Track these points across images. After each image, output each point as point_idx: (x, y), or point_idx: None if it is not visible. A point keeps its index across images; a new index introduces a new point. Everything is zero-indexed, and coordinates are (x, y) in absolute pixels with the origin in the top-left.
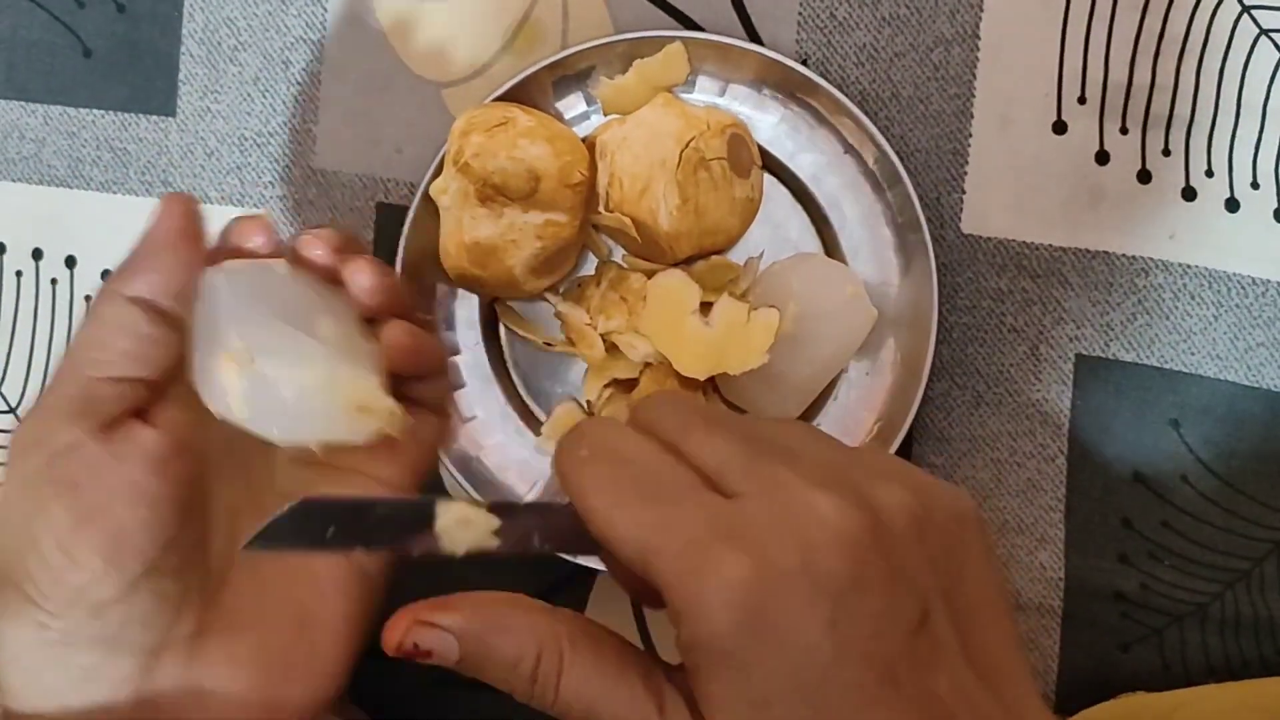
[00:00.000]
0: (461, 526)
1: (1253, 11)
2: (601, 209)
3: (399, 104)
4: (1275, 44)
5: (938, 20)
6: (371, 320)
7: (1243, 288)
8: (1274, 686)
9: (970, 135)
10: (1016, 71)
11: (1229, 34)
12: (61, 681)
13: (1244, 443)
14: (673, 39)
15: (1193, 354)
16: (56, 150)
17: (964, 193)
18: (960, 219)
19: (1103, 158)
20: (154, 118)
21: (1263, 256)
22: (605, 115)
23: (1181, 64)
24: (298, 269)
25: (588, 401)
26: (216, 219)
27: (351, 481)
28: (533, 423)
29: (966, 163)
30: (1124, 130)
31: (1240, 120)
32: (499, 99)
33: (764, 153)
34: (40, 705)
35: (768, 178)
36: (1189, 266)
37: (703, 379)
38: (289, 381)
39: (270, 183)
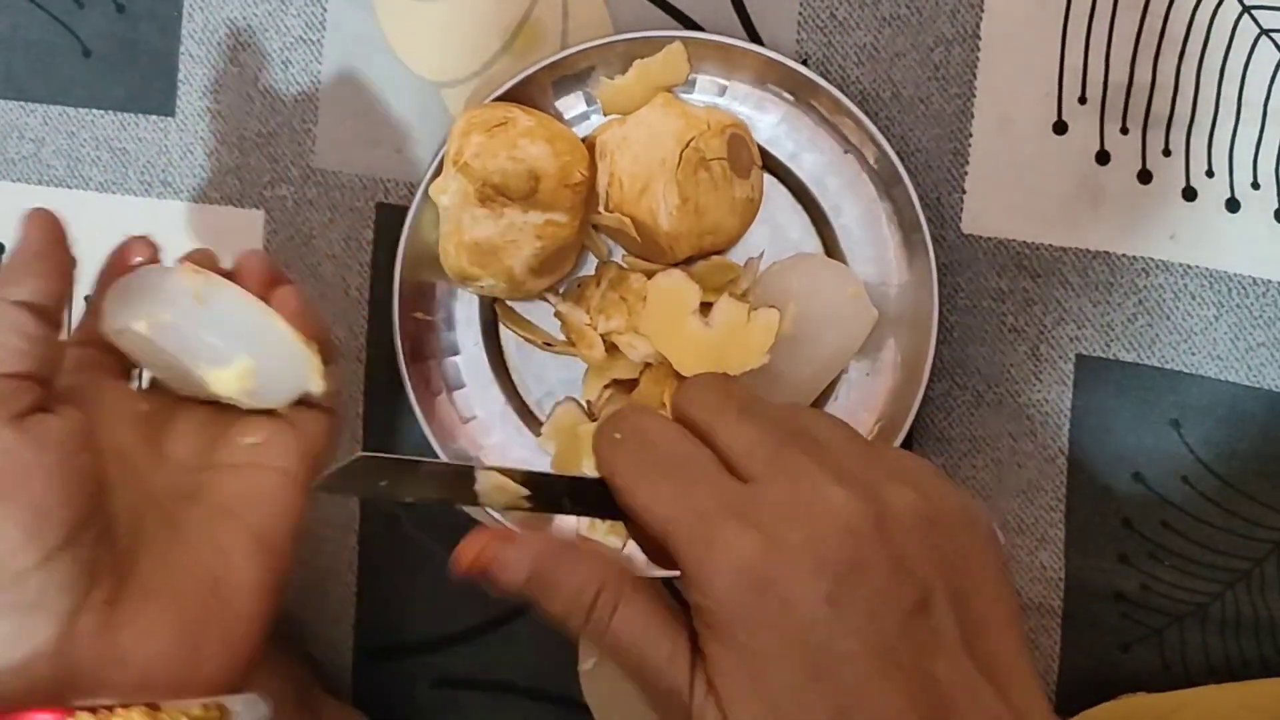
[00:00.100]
0: (498, 491)
1: (1253, 11)
2: (601, 209)
3: (399, 104)
4: (1276, 44)
5: (938, 20)
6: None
7: (1243, 288)
8: (1274, 687)
9: (971, 135)
10: (1017, 71)
11: (1229, 34)
12: None
13: (1244, 443)
14: (673, 39)
15: (1193, 354)
16: (56, 150)
17: (964, 193)
18: (960, 219)
19: (1103, 158)
20: (153, 118)
21: (1263, 256)
22: (605, 115)
23: (1182, 64)
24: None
25: (587, 402)
26: (216, 219)
27: (248, 475)
28: (532, 423)
29: (967, 163)
30: (1124, 130)
31: (1241, 120)
32: (499, 99)
33: (764, 153)
34: None
35: (768, 178)
36: (1189, 267)
37: None
38: (230, 307)
39: (270, 183)
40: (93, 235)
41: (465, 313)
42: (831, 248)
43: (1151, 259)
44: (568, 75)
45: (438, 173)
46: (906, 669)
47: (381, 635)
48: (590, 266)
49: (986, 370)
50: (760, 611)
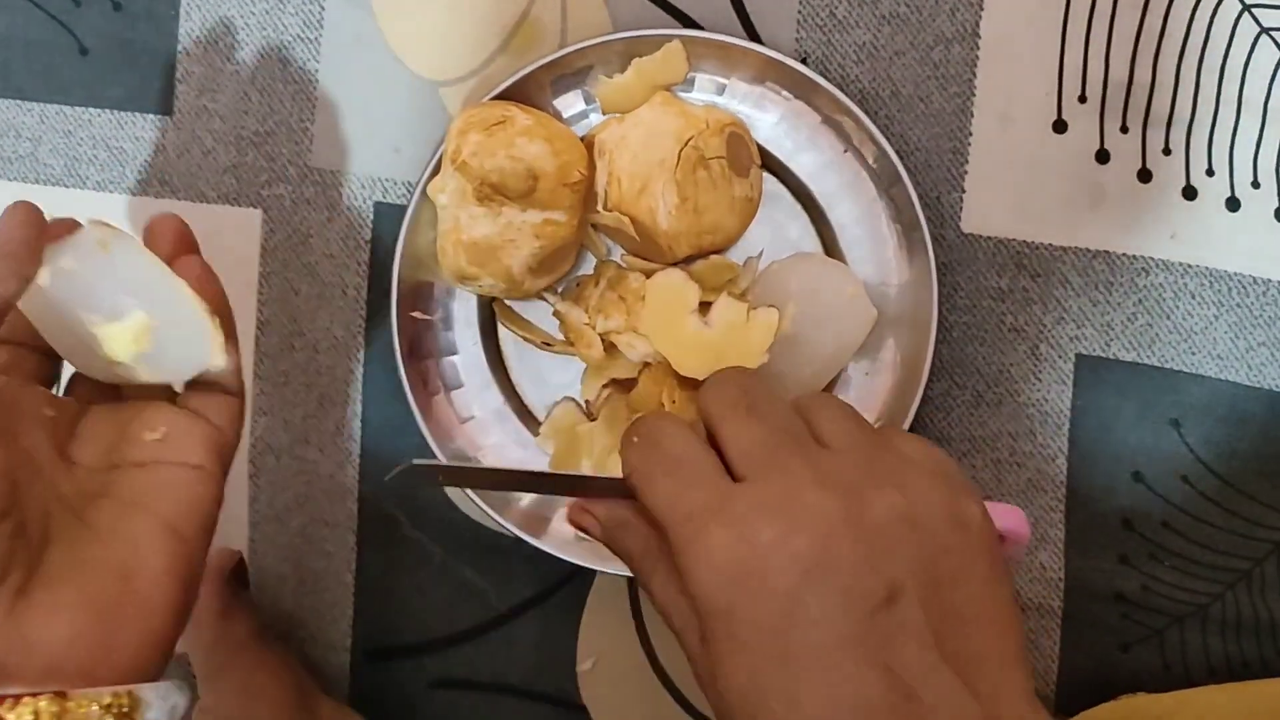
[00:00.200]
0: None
1: (1253, 10)
2: (600, 208)
3: (397, 103)
4: (1276, 42)
5: (938, 18)
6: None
7: (1243, 287)
8: (1275, 687)
9: (970, 134)
10: (1017, 70)
11: (1229, 32)
12: None
13: (1245, 443)
14: (671, 37)
15: (1193, 354)
16: (53, 149)
17: (964, 192)
18: (960, 218)
19: (1103, 156)
20: (151, 116)
21: (1264, 255)
22: (604, 114)
23: (1182, 62)
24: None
25: (586, 401)
26: (213, 218)
27: (156, 472)
28: (531, 422)
29: (966, 162)
30: (1124, 129)
31: (1241, 119)
32: (497, 98)
33: (763, 152)
34: None
35: (767, 177)
36: (1189, 266)
37: (701, 379)
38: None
39: (267, 182)
40: None
41: (463, 312)
42: (831, 247)
43: (1151, 258)
44: (566, 74)
45: (436, 171)
46: (868, 658)
47: (380, 636)
48: (589, 266)
49: (986, 370)
50: (734, 604)
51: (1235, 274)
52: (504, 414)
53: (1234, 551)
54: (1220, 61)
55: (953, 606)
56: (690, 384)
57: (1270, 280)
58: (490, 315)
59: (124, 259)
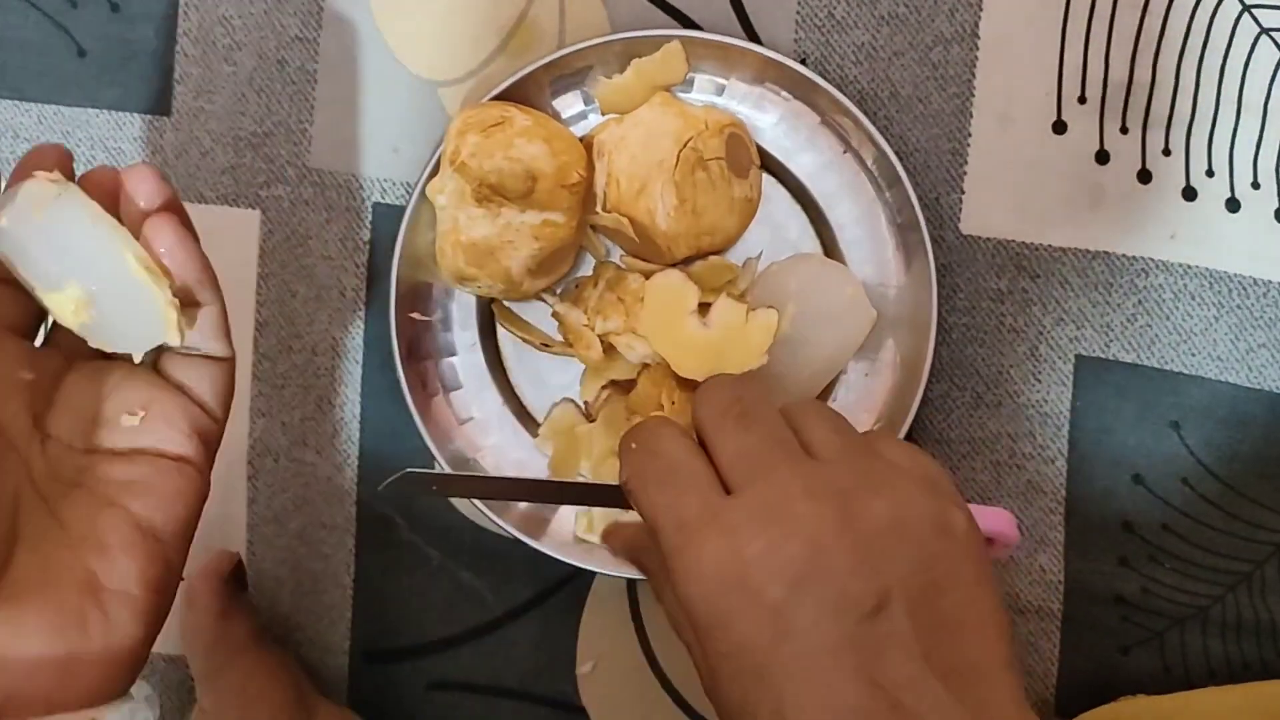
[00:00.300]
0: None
1: (1253, 10)
2: (599, 209)
3: (395, 103)
4: (1276, 43)
5: (937, 19)
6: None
7: (1243, 288)
8: (1275, 689)
9: (969, 135)
10: (1016, 71)
11: (1229, 33)
12: None
13: (1245, 445)
14: (671, 38)
15: (1193, 355)
16: None
17: (963, 193)
18: (959, 219)
19: (1103, 157)
20: (148, 117)
21: (1264, 257)
22: (603, 115)
23: (1182, 63)
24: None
25: (585, 402)
26: (211, 219)
27: (133, 464)
28: (530, 424)
29: (966, 163)
30: (1124, 130)
31: (1241, 119)
32: (496, 98)
33: (762, 153)
34: None
35: (766, 178)
36: (1189, 267)
37: (701, 380)
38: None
39: (265, 183)
40: None
41: (462, 313)
42: (830, 248)
43: (1151, 259)
44: (565, 74)
45: (434, 172)
46: (856, 669)
47: (378, 638)
48: (588, 267)
49: (985, 371)
50: (724, 614)
51: (1235, 275)
52: (503, 415)
53: (1234, 554)
54: (1220, 62)
55: (941, 614)
56: (689, 385)
57: (1270, 281)
58: (489, 316)
59: (65, 222)
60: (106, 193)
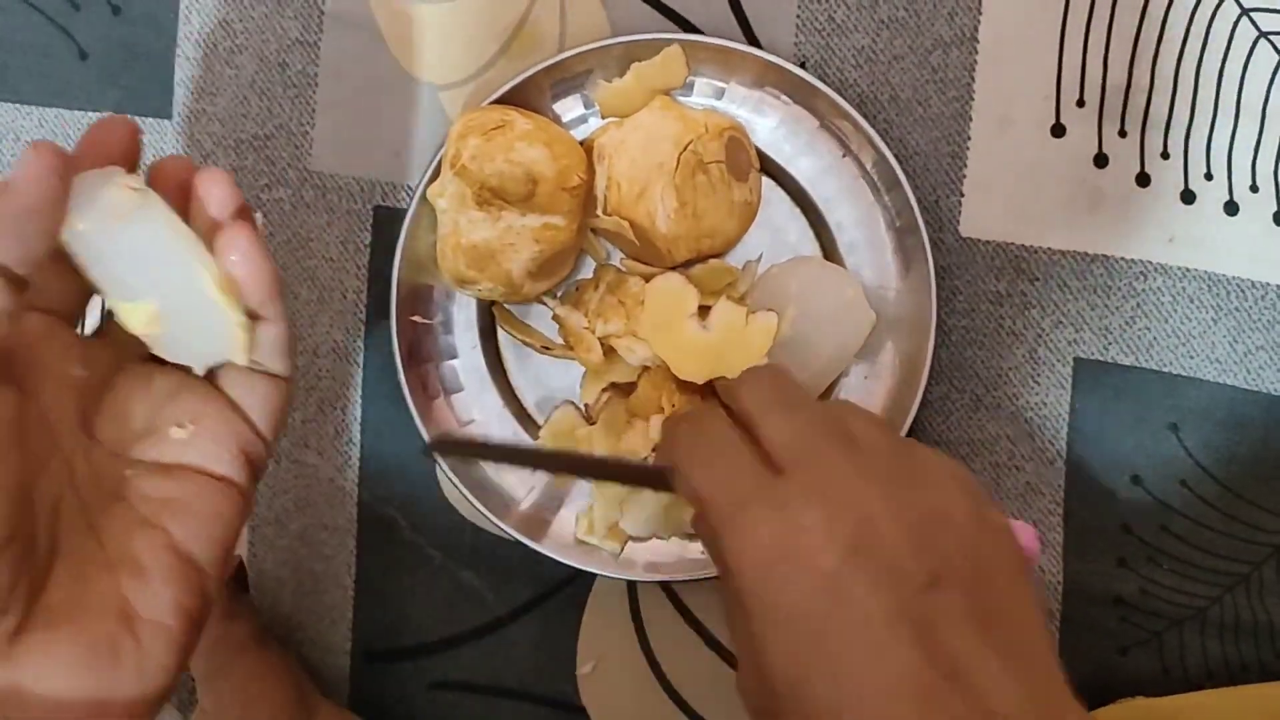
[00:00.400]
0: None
1: (1252, 14)
2: (599, 212)
3: (396, 107)
4: (1274, 46)
5: (936, 23)
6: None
7: (1242, 291)
8: (1274, 690)
9: (969, 138)
10: (1015, 74)
11: (1228, 36)
12: None
13: (1243, 447)
14: (671, 42)
15: (1192, 358)
16: None
17: (962, 195)
18: (959, 222)
19: (1101, 160)
20: (149, 120)
21: (1262, 259)
22: (603, 118)
23: (1180, 66)
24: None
25: (585, 405)
26: None
27: (177, 480)
28: (530, 426)
29: (965, 166)
30: (1123, 133)
31: (1239, 123)
32: (497, 102)
33: (762, 156)
34: None
35: (766, 181)
36: (1188, 270)
37: (701, 383)
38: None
39: (266, 185)
40: None
41: (463, 316)
42: (830, 251)
43: (1150, 262)
44: (566, 78)
45: (435, 175)
46: (912, 637)
47: (379, 639)
48: (588, 270)
49: (985, 373)
50: (776, 583)
51: (1234, 278)
52: (503, 418)
53: (1232, 555)
54: (1219, 65)
55: (988, 601)
56: (689, 388)
57: (1269, 284)
58: (490, 319)
59: (144, 234)
60: (177, 185)
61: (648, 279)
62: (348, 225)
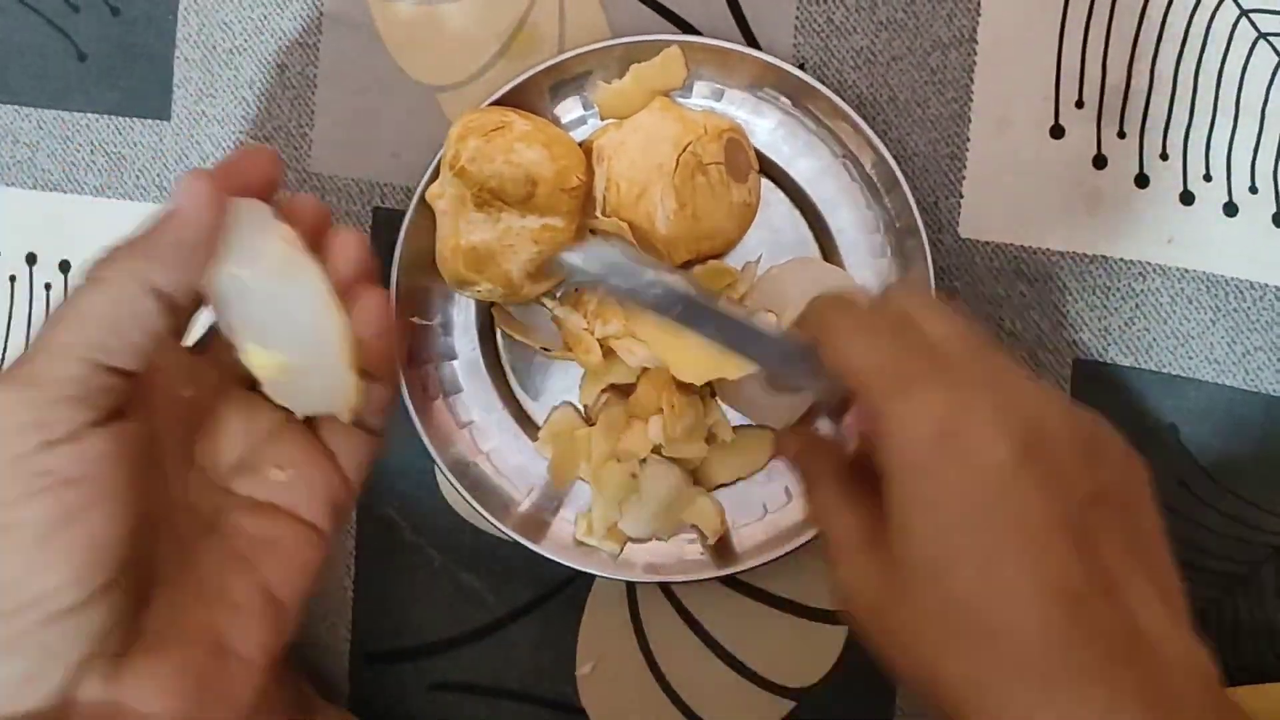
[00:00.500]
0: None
1: (1251, 15)
2: (599, 213)
3: (395, 108)
4: (1274, 47)
5: (935, 24)
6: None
7: (1240, 292)
8: (1274, 690)
9: (968, 139)
10: (1014, 75)
11: (1227, 37)
12: None
13: (1242, 447)
14: (670, 43)
15: (1190, 359)
16: (50, 154)
17: (961, 197)
18: (958, 223)
19: (1100, 161)
20: (149, 122)
21: (1261, 260)
22: (602, 119)
23: (1179, 67)
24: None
25: (584, 406)
26: None
27: (270, 521)
28: (529, 427)
29: (964, 167)
30: (1121, 134)
31: (1238, 124)
32: (496, 103)
33: (761, 157)
34: None
35: (765, 182)
36: (1187, 271)
37: (700, 384)
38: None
39: None
40: (87, 240)
41: (462, 317)
42: (829, 252)
43: (1149, 263)
44: (565, 79)
45: (434, 177)
46: (1075, 545)
47: (379, 640)
48: None
49: None
50: (940, 462)
51: (1232, 279)
52: (503, 419)
53: (1232, 556)
54: (1218, 66)
55: (1140, 530)
56: (688, 389)
57: (1268, 285)
58: (489, 320)
59: (297, 296)
60: (309, 229)
61: None
62: (347, 227)
